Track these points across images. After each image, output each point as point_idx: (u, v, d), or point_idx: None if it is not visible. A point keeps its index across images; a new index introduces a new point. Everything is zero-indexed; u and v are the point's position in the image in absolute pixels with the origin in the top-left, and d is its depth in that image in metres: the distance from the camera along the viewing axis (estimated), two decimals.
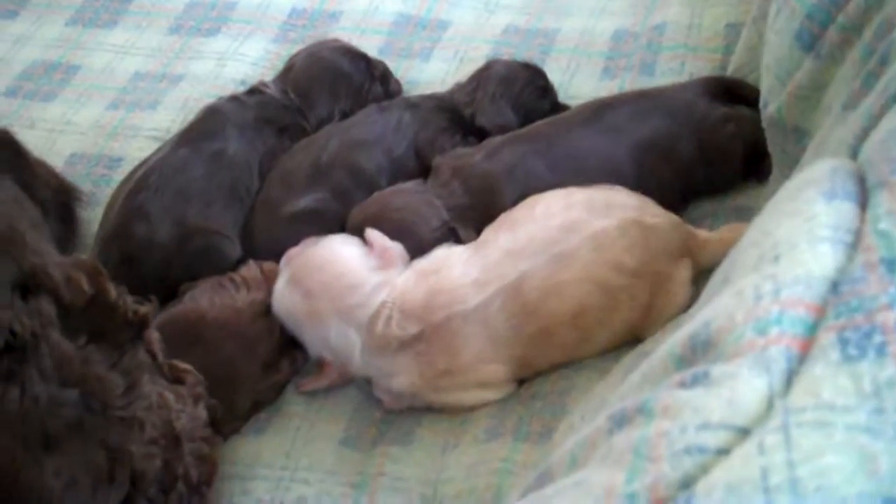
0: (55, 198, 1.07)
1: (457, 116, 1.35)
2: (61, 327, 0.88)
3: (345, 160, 1.29)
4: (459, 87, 1.39)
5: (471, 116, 1.35)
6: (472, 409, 1.10)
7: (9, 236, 0.91)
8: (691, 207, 1.25)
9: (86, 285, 0.92)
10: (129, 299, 0.96)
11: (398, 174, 1.29)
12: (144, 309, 0.98)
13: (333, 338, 1.10)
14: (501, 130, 1.31)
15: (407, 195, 1.22)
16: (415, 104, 1.37)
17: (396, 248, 1.14)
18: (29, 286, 0.88)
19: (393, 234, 1.16)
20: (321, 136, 1.33)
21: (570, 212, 1.10)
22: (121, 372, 0.90)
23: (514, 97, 1.36)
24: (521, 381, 1.12)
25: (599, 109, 1.27)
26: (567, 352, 1.10)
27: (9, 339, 0.84)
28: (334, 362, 1.11)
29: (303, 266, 1.13)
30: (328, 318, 1.10)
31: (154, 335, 0.99)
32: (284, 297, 1.12)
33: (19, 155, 1.03)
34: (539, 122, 1.30)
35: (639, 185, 1.21)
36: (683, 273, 1.10)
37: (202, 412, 1.01)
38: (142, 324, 0.97)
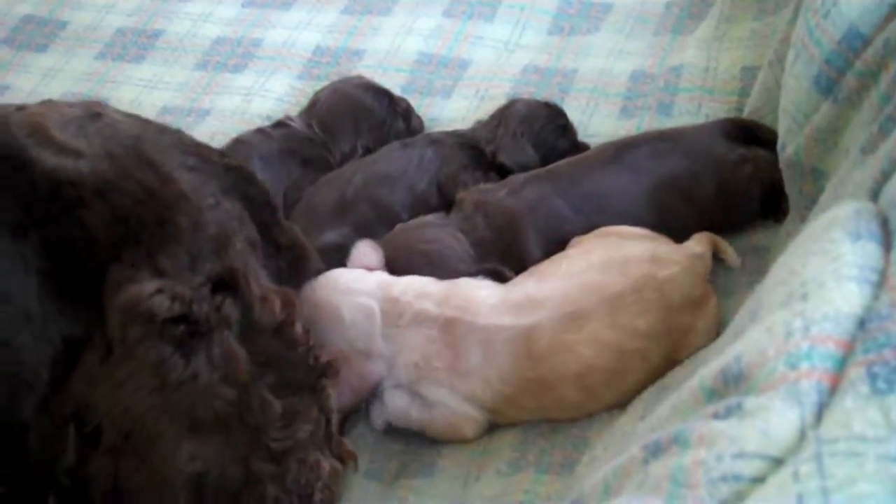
0: (292, 248, 1.10)
1: (478, 153, 1.38)
2: (241, 340, 0.89)
3: (369, 196, 1.31)
4: (481, 125, 1.42)
5: (492, 153, 1.38)
6: (441, 433, 1.11)
7: (221, 238, 0.93)
8: None
9: (278, 309, 0.94)
10: (316, 344, 0.98)
11: (420, 209, 1.31)
12: (328, 358, 1.00)
13: (347, 315, 1.10)
14: (522, 168, 1.34)
15: (432, 228, 1.25)
16: (437, 140, 1.39)
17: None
18: (223, 284, 0.90)
19: (424, 266, 1.18)
20: (346, 172, 1.36)
21: (589, 273, 1.12)
22: (285, 407, 0.91)
23: (535, 135, 1.39)
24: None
25: (620, 150, 1.30)
26: (564, 409, 1.10)
27: (186, 313, 0.85)
28: (351, 354, 1.09)
29: (312, 288, 1.15)
30: (338, 298, 1.11)
31: (332, 396, 0.99)
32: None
33: (263, 198, 1.07)
34: (561, 162, 1.32)
35: (658, 223, 1.23)
36: (703, 321, 1.10)
37: (340, 493, 1.01)
38: (322, 373, 0.98)
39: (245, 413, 0.87)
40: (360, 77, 1.53)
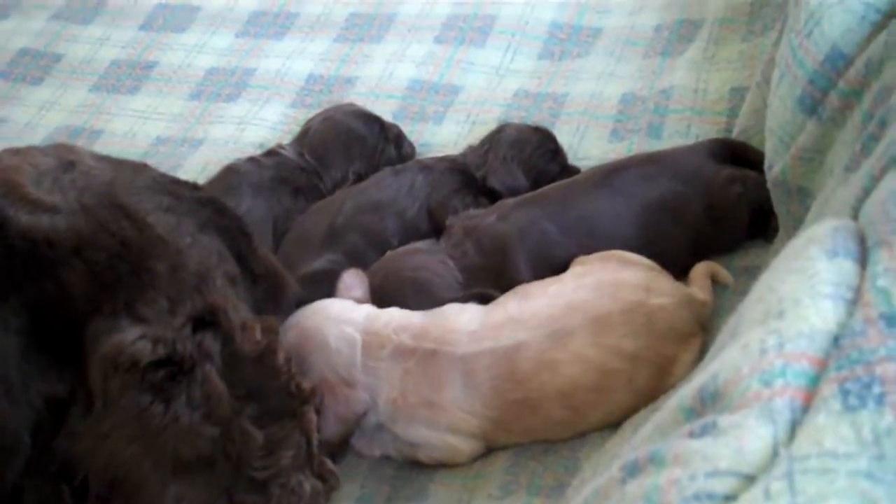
0: (268, 277, 1.11)
1: (469, 178, 1.39)
2: (224, 372, 0.90)
3: (359, 223, 1.32)
4: (472, 150, 1.43)
5: (482, 178, 1.38)
6: (435, 459, 1.11)
7: (201, 274, 0.95)
8: None
9: (259, 335, 0.95)
10: (297, 372, 0.98)
11: (411, 235, 1.32)
12: (310, 386, 1.00)
13: (333, 343, 1.10)
14: (512, 192, 1.35)
15: (421, 255, 1.25)
16: (428, 166, 1.40)
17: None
18: (204, 321, 0.91)
19: (411, 293, 1.19)
20: (336, 199, 1.37)
21: (578, 293, 1.12)
22: (267, 437, 0.92)
23: (525, 160, 1.39)
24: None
25: (609, 173, 1.30)
26: (553, 428, 1.10)
27: (167, 356, 0.86)
28: (336, 383, 1.10)
29: (301, 315, 1.16)
30: (328, 326, 1.12)
31: (314, 419, 1.00)
32: (287, 336, 1.13)
33: (238, 227, 1.08)
34: (551, 186, 1.33)
35: (648, 245, 1.23)
36: (688, 355, 1.10)
37: None
38: (303, 400, 0.99)
39: (228, 447, 0.88)
40: (351, 104, 1.54)
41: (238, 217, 1.10)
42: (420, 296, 1.18)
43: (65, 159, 0.98)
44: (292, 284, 1.14)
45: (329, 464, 1.05)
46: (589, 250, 1.21)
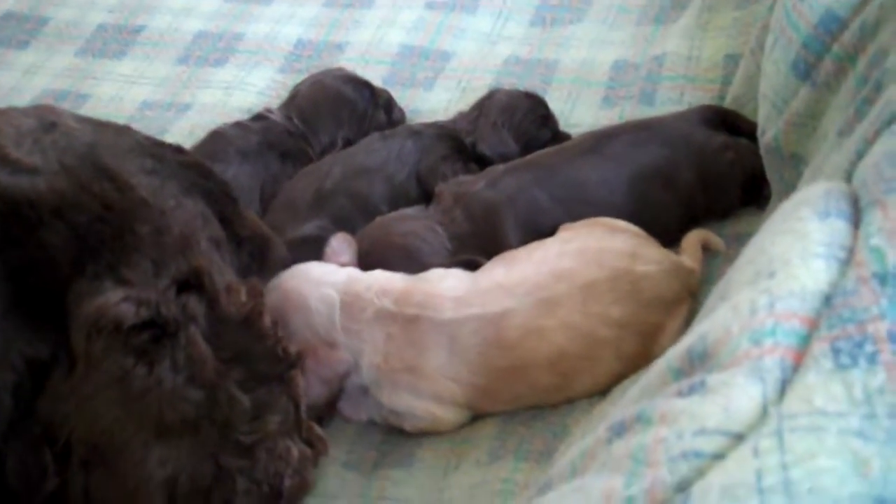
0: (253, 240, 1.10)
1: (459, 144, 1.37)
2: (209, 335, 0.89)
3: (347, 188, 1.30)
4: (462, 116, 1.42)
5: (472, 144, 1.37)
6: (420, 429, 1.10)
7: (185, 237, 0.93)
8: None
9: (244, 297, 0.94)
10: (284, 336, 0.97)
11: (400, 201, 1.30)
12: (297, 349, 0.99)
13: (313, 304, 1.09)
14: (502, 158, 1.33)
15: (410, 221, 1.24)
16: (417, 132, 1.39)
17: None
18: (189, 284, 0.90)
19: (398, 259, 1.18)
20: (324, 164, 1.35)
21: (562, 260, 1.11)
22: (254, 401, 0.91)
23: (516, 125, 1.38)
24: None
25: (600, 139, 1.29)
26: (540, 394, 1.09)
27: (150, 319, 0.85)
28: (318, 344, 1.09)
29: (282, 277, 1.15)
30: (308, 288, 1.11)
31: (301, 383, 0.99)
32: (269, 298, 1.12)
33: (223, 190, 1.07)
34: (541, 152, 1.32)
35: (639, 213, 1.22)
36: (675, 323, 1.09)
37: (312, 478, 1.01)
38: (291, 364, 0.97)
39: (213, 412, 0.87)
40: (340, 69, 1.52)
41: (223, 181, 1.08)
42: (408, 262, 1.17)
43: (46, 120, 0.96)
44: (279, 246, 1.13)
45: (317, 429, 1.04)
46: (579, 217, 1.20)
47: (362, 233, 1.23)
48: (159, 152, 1.02)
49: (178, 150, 1.07)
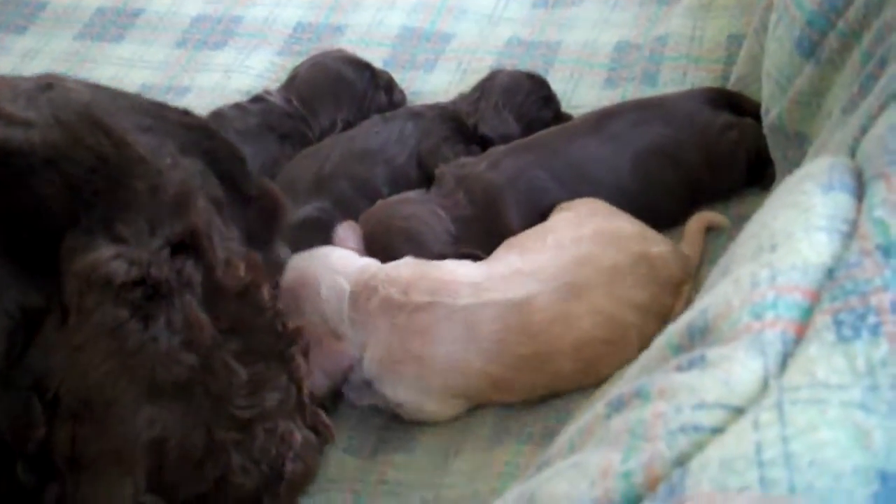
0: (262, 199, 1.08)
1: (460, 126, 1.36)
2: (205, 304, 0.87)
3: (347, 170, 1.29)
4: (463, 97, 1.40)
5: (474, 126, 1.36)
6: (419, 420, 1.09)
7: (182, 196, 0.91)
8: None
9: (242, 272, 0.92)
10: (282, 310, 0.95)
11: (400, 183, 1.29)
12: (296, 326, 0.97)
13: (324, 291, 1.08)
14: (504, 140, 1.32)
15: (413, 204, 1.22)
16: (418, 114, 1.37)
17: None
18: (184, 245, 0.88)
19: (401, 243, 1.16)
20: (325, 146, 1.34)
21: (581, 245, 1.09)
22: (251, 375, 0.89)
23: (517, 107, 1.37)
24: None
25: (602, 119, 1.28)
26: (559, 381, 1.07)
27: (141, 278, 0.83)
28: (325, 335, 1.08)
29: (300, 258, 1.14)
30: (322, 273, 1.09)
31: (302, 365, 0.97)
32: (286, 277, 1.12)
33: (229, 150, 1.05)
34: (542, 132, 1.31)
35: (642, 192, 1.22)
36: (680, 305, 1.08)
37: (316, 465, 0.99)
38: (290, 340, 0.96)
39: (208, 380, 0.85)
40: (340, 50, 1.51)
41: (229, 142, 1.06)
42: (410, 245, 1.16)
43: (44, 82, 0.95)
44: (288, 206, 1.11)
45: (323, 416, 1.02)
46: (581, 197, 1.19)
47: (364, 216, 1.22)
48: (161, 112, 1.00)
49: (184, 112, 1.05)
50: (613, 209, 1.17)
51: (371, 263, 1.12)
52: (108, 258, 0.82)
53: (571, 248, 1.09)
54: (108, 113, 0.92)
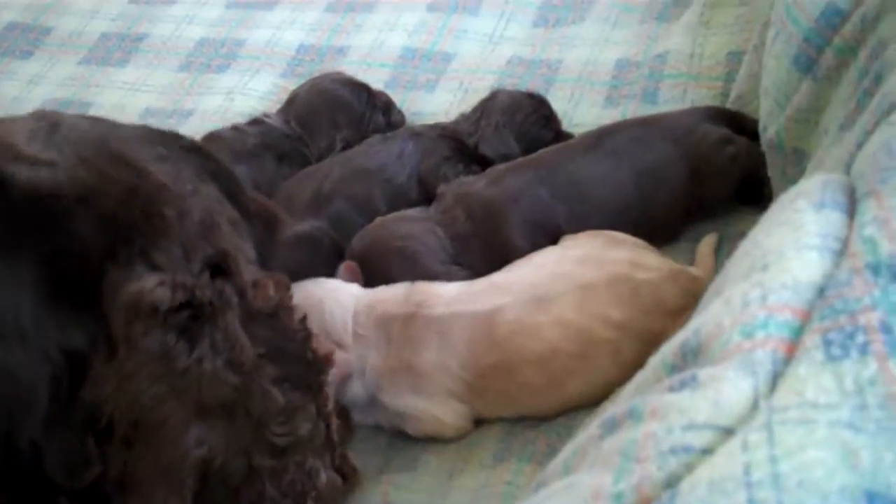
0: (261, 214, 1.10)
1: (460, 145, 1.37)
2: (242, 328, 0.88)
3: (345, 189, 1.30)
4: (464, 117, 1.41)
5: (474, 145, 1.36)
6: (424, 432, 1.10)
7: (208, 223, 0.93)
8: (693, 237, 1.25)
9: (272, 292, 0.93)
10: (312, 333, 0.97)
11: (399, 203, 1.30)
12: (325, 353, 0.98)
13: (328, 305, 1.10)
14: (505, 159, 1.33)
15: (409, 223, 1.23)
16: (418, 133, 1.38)
17: None
18: (220, 268, 0.90)
19: (397, 262, 1.17)
20: (325, 166, 1.35)
21: (562, 264, 1.11)
22: (286, 402, 0.90)
23: (518, 126, 1.37)
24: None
25: (601, 136, 1.28)
26: (531, 396, 1.07)
27: (187, 302, 0.84)
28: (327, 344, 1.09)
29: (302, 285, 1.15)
30: (325, 292, 1.12)
31: (329, 395, 0.97)
32: None
33: (223, 170, 1.07)
34: (543, 150, 1.31)
35: (643, 208, 1.22)
36: (677, 329, 1.07)
37: None
38: (320, 369, 0.97)
39: (248, 402, 0.86)
40: (338, 73, 1.52)
41: (220, 161, 1.08)
42: (405, 265, 1.17)
43: (49, 120, 0.96)
44: (286, 218, 1.13)
45: (351, 459, 1.03)
46: (582, 214, 1.20)
47: (361, 234, 1.23)
48: (165, 140, 1.01)
49: (176, 136, 1.07)
50: (617, 237, 1.16)
51: (371, 291, 1.15)
52: (153, 286, 0.83)
53: (550, 266, 1.11)
54: (125, 145, 0.93)
